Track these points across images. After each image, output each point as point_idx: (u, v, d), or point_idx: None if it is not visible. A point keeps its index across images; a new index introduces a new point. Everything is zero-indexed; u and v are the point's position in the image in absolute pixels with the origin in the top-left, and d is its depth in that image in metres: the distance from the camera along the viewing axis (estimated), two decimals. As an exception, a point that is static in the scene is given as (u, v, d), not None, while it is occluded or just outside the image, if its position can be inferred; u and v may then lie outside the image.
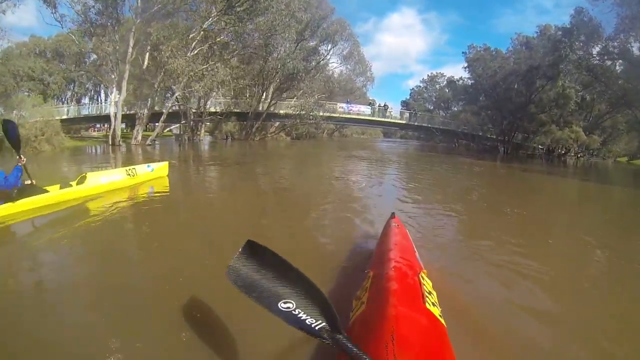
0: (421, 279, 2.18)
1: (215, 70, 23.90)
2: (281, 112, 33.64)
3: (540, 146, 33.61)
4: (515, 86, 33.92)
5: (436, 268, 3.39)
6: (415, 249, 3.04)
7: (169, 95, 25.96)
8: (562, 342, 2.60)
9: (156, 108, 25.70)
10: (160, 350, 2.30)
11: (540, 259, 4.19)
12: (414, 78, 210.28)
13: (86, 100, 42.13)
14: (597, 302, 3.36)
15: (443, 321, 1.89)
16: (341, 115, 36.55)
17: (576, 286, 3.66)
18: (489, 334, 2.53)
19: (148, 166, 8.29)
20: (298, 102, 32.44)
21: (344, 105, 37.34)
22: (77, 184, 6.41)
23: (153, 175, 8.33)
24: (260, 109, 32.62)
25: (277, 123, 36.65)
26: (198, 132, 31.46)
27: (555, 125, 31.00)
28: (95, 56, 28.58)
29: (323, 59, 34.65)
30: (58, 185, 6.11)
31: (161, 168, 8.67)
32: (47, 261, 3.84)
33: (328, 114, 34.99)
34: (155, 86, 24.15)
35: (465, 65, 38.53)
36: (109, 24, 23.14)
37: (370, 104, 39.43)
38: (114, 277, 3.34)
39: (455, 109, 49.77)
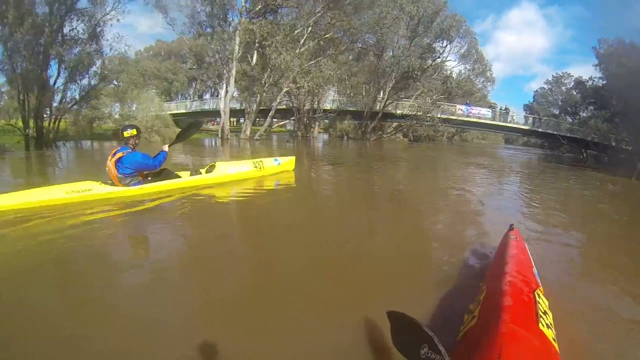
0: (536, 296, 2.07)
1: (321, 65, 23.21)
2: (397, 112, 32.02)
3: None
4: None
5: (555, 288, 3.04)
6: (534, 265, 2.80)
7: (277, 91, 25.59)
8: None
9: (266, 105, 25.62)
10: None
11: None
12: (536, 80, 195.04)
13: (207, 96, 45.20)
14: None
15: (556, 345, 1.77)
16: (460, 118, 33.72)
17: None
18: None
19: (275, 160, 8.43)
20: (414, 102, 30.68)
21: (463, 107, 34.25)
22: (207, 172, 6.79)
23: (280, 168, 8.46)
24: (377, 108, 31.62)
25: (395, 124, 34.92)
26: (312, 129, 30.98)
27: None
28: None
29: (439, 56, 32.60)
30: (189, 172, 6.58)
31: (288, 162, 8.75)
32: (180, 237, 4.23)
33: (446, 116, 32.55)
34: (263, 82, 24.00)
35: (596, 63, 33.60)
36: (217, 23, 24.01)
37: (491, 107, 35.38)
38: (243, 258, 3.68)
39: (584, 114, 43.55)
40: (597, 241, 5.52)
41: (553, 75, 53.75)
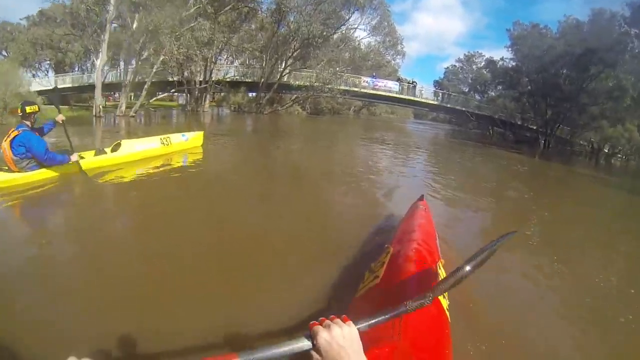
0: (438, 267, 2.15)
1: (195, 29, 20.44)
2: (295, 83, 29.68)
3: (585, 143, 29.91)
4: (565, 71, 29.72)
5: (453, 260, 2.83)
6: (437, 237, 2.95)
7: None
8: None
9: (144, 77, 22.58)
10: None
11: (571, 267, 3.95)
12: (449, 60, 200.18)
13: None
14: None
15: (448, 314, 1.89)
16: (364, 91, 32.18)
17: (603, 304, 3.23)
18: (490, 335, 2.40)
19: (183, 135, 8.21)
20: (312, 73, 28.61)
21: (368, 79, 33.03)
22: (112, 151, 6.43)
23: (188, 144, 8.26)
24: (275, 79, 29.40)
25: (295, 96, 33.16)
26: (203, 103, 28.66)
27: (606, 120, 26.66)
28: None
29: (346, 25, 30.88)
30: (93, 152, 6.17)
31: (196, 137, 8.57)
32: (75, 224, 3.95)
33: (348, 88, 30.78)
34: (138, 49, 20.96)
35: (508, 44, 34.19)
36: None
37: (399, 80, 34.84)
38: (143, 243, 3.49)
39: (493, 93, 44.21)
40: (499, 218, 5.94)
41: (465, 54, 54.76)
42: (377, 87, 32.81)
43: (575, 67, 28.58)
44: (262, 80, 29.11)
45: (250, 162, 8.87)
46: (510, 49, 34.43)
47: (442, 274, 2.11)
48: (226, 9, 24.42)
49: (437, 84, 49.75)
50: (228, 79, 30.35)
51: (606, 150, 29.23)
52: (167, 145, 7.60)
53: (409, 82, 34.03)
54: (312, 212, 4.85)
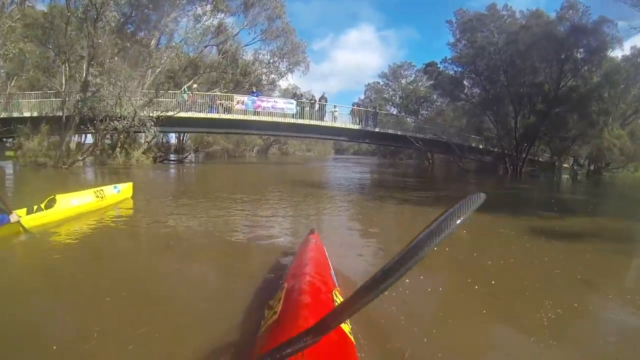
0: (334, 295, 2.19)
1: None
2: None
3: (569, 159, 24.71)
4: (544, 67, 22.48)
5: (350, 286, 2.92)
6: (331, 266, 2.94)
7: None
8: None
9: None
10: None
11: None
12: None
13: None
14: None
15: (352, 338, 1.89)
16: (233, 118, 19.78)
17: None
18: (396, 350, 2.39)
19: (115, 187, 7.77)
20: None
21: (244, 99, 20.35)
22: (46, 207, 5.75)
23: (119, 196, 7.87)
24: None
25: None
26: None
27: (590, 127, 21.89)
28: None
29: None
30: (25, 210, 5.38)
31: (127, 189, 8.22)
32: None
33: (192, 115, 19.68)
34: None
35: (452, 40, 25.94)
36: None
37: (296, 96, 22.00)
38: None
39: (427, 111, 36.71)
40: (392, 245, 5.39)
41: (390, 66, 43.71)
42: (260, 108, 20.04)
43: (554, 57, 21.47)
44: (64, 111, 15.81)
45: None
46: (454, 46, 24.85)
47: (338, 300, 2.14)
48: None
49: (355, 105, 37.41)
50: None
51: (594, 165, 25.78)
52: (102, 198, 7.10)
53: (312, 99, 21.42)
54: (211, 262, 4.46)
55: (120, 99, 15.68)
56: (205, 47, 25.00)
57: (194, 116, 19.63)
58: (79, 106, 15.96)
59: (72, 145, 18.79)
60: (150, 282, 3.59)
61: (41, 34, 18.99)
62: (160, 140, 36.18)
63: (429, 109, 37.57)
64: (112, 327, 2.54)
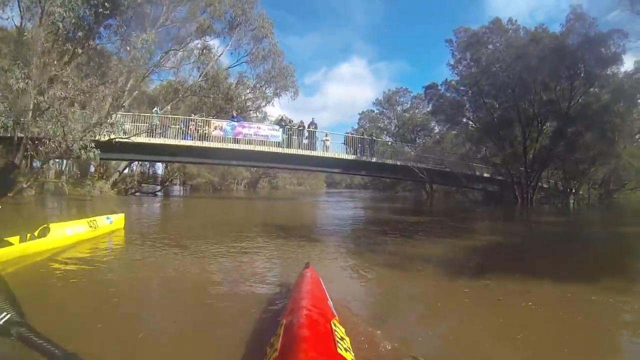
0: (333, 325, 2.16)
1: None
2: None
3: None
4: (555, 85, 20.65)
5: (348, 315, 3.08)
6: (329, 297, 2.88)
7: None
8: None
9: None
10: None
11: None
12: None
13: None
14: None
15: None
16: (208, 146, 17.33)
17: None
18: None
19: (107, 218, 7.76)
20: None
21: (223, 124, 17.86)
22: (39, 235, 5.69)
23: (112, 227, 7.80)
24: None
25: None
26: None
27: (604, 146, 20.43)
28: None
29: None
30: (18, 237, 5.32)
31: (119, 220, 8.15)
32: None
33: (174, 143, 17.18)
34: None
35: (452, 62, 24.07)
36: None
37: (282, 121, 19.34)
38: None
39: (423, 141, 34.59)
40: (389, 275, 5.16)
41: (384, 93, 41.77)
42: (241, 135, 17.53)
43: (566, 74, 19.64)
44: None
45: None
46: (455, 67, 22.63)
47: (338, 330, 2.13)
48: None
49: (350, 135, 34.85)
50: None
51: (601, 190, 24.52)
52: (95, 228, 7.05)
53: (301, 126, 18.90)
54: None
55: (54, 116, 12.81)
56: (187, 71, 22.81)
57: (163, 142, 17.03)
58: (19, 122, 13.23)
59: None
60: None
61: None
62: (147, 170, 33.61)
63: (426, 137, 35.51)
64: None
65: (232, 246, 6.98)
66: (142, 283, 4.65)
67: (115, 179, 21.66)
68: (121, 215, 8.26)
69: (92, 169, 22.54)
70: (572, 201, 21.63)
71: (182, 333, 3.06)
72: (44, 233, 5.71)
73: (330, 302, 2.74)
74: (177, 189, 36.05)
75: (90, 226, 6.92)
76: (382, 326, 3.06)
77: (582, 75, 19.71)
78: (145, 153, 17.71)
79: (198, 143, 17.34)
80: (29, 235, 5.46)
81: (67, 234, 6.20)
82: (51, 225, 5.87)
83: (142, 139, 16.42)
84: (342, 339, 2.04)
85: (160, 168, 36.11)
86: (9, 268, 4.61)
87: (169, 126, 17.73)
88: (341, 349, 1.88)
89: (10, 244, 5.01)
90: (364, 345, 2.53)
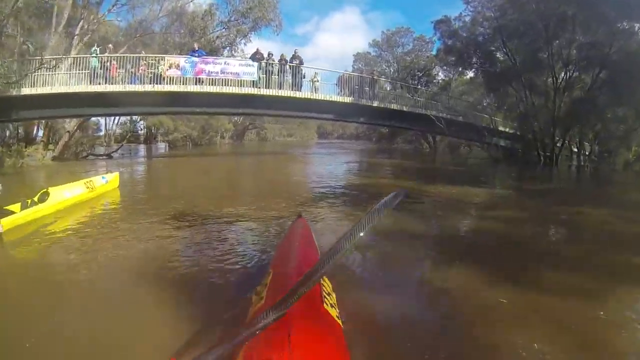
0: (322, 280, 2.16)
1: None
2: None
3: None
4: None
5: (338, 271, 2.96)
6: (319, 251, 2.94)
7: None
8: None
9: None
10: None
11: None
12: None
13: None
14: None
15: (340, 322, 1.91)
16: (162, 90, 13.66)
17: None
18: (384, 335, 2.47)
19: (103, 178, 7.98)
20: None
21: (181, 61, 13.91)
22: (39, 200, 5.78)
23: (107, 187, 8.00)
24: None
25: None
26: None
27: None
28: None
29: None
30: (19, 204, 5.36)
31: (114, 179, 8.35)
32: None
33: (116, 90, 13.65)
34: None
35: None
36: None
37: (257, 54, 14.97)
38: None
39: (425, 88, 28.02)
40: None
41: (383, 32, 37.07)
42: (204, 74, 13.63)
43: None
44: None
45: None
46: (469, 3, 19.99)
47: (325, 284, 2.15)
48: None
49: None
50: None
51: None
52: (92, 189, 7.26)
53: (281, 61, 14.84)
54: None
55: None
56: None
57: (104, 90, 13.19)
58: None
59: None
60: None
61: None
62: (129, 128, 29.57)
63: (429, 84, 31.40)
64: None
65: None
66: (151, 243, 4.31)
67: (66, 142, 17.92)
68: (116, 175, 8.45)
69: (41, 132, 18.88)
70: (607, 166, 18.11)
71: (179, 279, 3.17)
72: (43, 198, 5.77)
73: (320, 255, 2.70)
74: (162, 147, 32.26)
75: (88, 187, 7.12)
76: (370, 284, 3.31)
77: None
78: (82, 105, 13.94)
79: (148, 87, 13.42)
80: (29, 201, 5.49)
81: (66, 197, 6.31)
82: (50, 190, 5.94)
83: (73, 88, 12.67)
84: (328, 294, 2.07)
85: (142, 125, 33.06)
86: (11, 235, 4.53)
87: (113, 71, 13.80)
88: (327, 305, 1.89)
89: (12, 212, 4.97)
90: (350, 302, 2.46)
